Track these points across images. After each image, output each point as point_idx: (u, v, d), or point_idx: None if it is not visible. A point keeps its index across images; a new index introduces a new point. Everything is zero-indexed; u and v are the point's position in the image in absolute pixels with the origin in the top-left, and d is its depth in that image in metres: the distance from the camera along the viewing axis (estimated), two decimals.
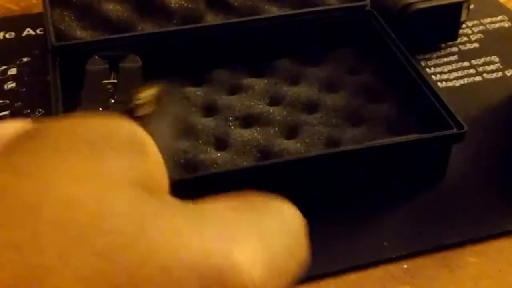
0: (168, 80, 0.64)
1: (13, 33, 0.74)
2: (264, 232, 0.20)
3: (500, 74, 0.69)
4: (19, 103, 0.65)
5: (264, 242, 0.19)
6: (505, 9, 0.79)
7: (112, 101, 0.56)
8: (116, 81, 0.58)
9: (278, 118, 0.60)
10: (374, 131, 0.58)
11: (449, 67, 0.70)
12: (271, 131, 0.59)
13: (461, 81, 0.69)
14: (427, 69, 0.70)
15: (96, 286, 0.16)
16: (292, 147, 0.57)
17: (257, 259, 0.18)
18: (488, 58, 0.71)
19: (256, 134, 0.58)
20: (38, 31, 0.74)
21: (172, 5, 0.68)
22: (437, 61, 0.71)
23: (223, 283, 0.17)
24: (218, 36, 0.65)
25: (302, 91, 0.63)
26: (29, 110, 0.64)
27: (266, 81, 0.64)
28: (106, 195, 0.17)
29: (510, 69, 0.70)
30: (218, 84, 0.64)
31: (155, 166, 0.20)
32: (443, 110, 0.56)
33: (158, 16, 0.68)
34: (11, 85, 0.67)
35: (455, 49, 0.73)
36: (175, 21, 0.68)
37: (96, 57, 0.60)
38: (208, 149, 0.57)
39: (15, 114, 0.64)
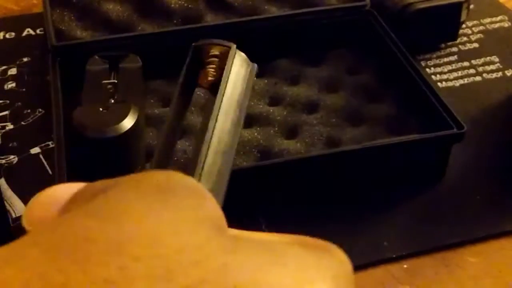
0: (168, 80, 0.64)
1: (13, 33, 0.74)
2: (334, 274, 0.20)
3: (500, 74, 0.70)
4: (19, 103, 0.65)
5: (335, 283, 0.19)
6: (505, 9, 0.79)
7: (112, 101, 0.56)
8: (116, 81, 0.58)
9: (278, 118, 0.60)
10: (374, 131, 0.58)
11: (449, 67, 0.70)
12: (271, 131, 0.59)
13: (461, 81, 0.69)
14: (427, 69, 0.70)
15: None
16: (292, 147, 0.57)
17: None
18: (488, 58, 0.71)
19: (256, 134, 0.58)
20: (38, 31, 0.74)
21: (172, 5, 0.68)
22: (437, 61, 0.71)
23: None
24: (218, 36, 0.65)
25: (302, 91, 0.63)
26: (29, 110, 0.64)
27: (266, 81, 0.64)
28: (184, 234, 0.18)
29: (510, 69, 0.70)
30: None
31: (215, 208, 0.20)
32: (443, 110, 0.56)
33: (158, 16, 0.68)
34: (11, 85, 0.67)
35: (455, 49, 0.73)
36: (175, 21, 0.68)
37: (96, 57, 0.60)
38: None
39: (15, 114, 0.64)
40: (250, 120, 0.60)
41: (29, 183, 0.56)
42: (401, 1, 0.68)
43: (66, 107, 0.56)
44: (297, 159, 0.54)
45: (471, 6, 0.73)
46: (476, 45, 0.73)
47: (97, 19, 0.67)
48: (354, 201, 0.55)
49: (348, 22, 0.68)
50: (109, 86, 0.57)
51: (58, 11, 0.67)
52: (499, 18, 0.77)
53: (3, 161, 0.59)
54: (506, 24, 0.76)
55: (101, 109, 0.54)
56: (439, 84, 0.68)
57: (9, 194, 0.55)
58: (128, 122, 0.52)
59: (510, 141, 0.61)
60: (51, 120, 0.56)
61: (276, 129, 0.59)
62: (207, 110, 0.28)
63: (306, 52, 0.67)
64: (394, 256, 0.51)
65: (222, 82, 0.28)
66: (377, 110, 0.60)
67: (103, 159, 0.52)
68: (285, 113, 0.60)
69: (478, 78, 0.69)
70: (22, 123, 0.63)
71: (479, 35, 0.75)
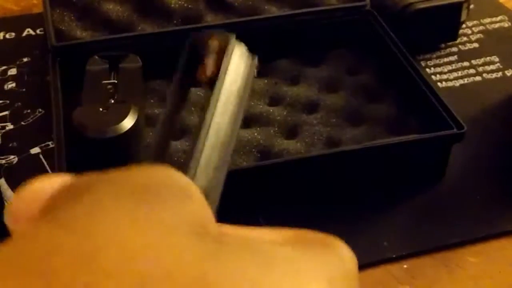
0: (168, 80, 0.64)
1: (13, 33, 0.74)
2: (330, 276, 0.19)
3: (500, 74, 0.70)
4: (19, 103, 0.65)
5: (331, 286, 0.18)
6: (505, 9, 0.79)
7: (112, 101, 0.56)
8: (116, 81, 0.58)
9: (278, 118, 0.60)
10: (374, 131, 0.58)
11: (449, 67, 0.70)
12: (271, 131, 0.59)
13: (461, 81, 0.69)
14: (427, 69, 0.70)
15: None
16: (292, 147, 0.57)
17: None
18: (488, 58, 0.71)
19: (256, 134, 0.58)
20: (38, 31, 0.74)
21: (172, 5, 0.68)
22: (437, 61, 0.71)
23: None
24: None
25: (302, 91, 0.63)
26: (29, 110, 0.64)
27: (266, 81, 0.64)
28: (160, 243, 0.17)
29: (510, 69, 0.70)
30: None
31: (201, 208, 0.19)
32: (443, 110, 0.56)
33: (158, 16, 0.68)
34: (11, 85, 0.67)
35: (455, 49, 0.73)
36: (175, 21, 0.68)
37: (96, 57, 0.60)
38: None
39: (15, 114, 0.64)
40: (250, 120, 0.60)
41: None
42: (401, 1, 0.68)
43: (66, 107, 0.56)
44: (297, 159, 0.54)
45: (471, 6, 0.73)
46: (476, 45, 0.73)
47: (97, 19, 0.67)
48: (354, 201, 0.55)
49: (348, 22, 0.68)
50: (109, 86, 0.57)
51: (58, 11, 0.67)
52: (499, 18, 0.77)
53: (3, 161, 0.59)
54: (506, 24, 0.76)
55: (101, 109, 0.54)
56: (439, 84, 0.68)
57: (9, 194, 0.55)
58: (128, 122, 0.52)
59: (510, 141, 0.61)
60: (51, 120, 0.56)
61: (276, 129, 0.59)
62: (205, 104, 0.27)
63: (306, 52, 0.67)
64: (394, 256, 0.51)
65: (220, 75, 0.27)
66: (377, 110, 0.60)
67: (103, 159, 0.52)
68: (285, 113, 0.60)
69: (478, 78, 0.69)
70: (22, 123, 0.63)
71: (479, 35, 0.75)
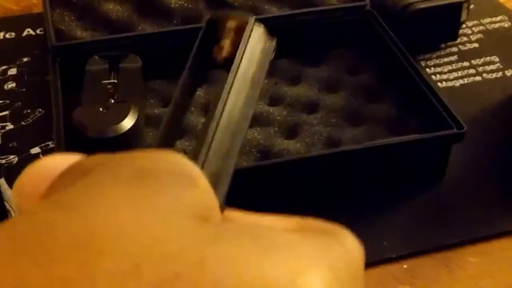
0: (168, 80, 0.64)
1: (13, 33, 0.74)
2: (332, 263, 0.18)
3: (500, 74, 0.70)
4: (19, 103, 0.65)
5: (333, 274, 0.18)
6: (505, 9, 0.79)
7: (112, 101, 0.56)
8: (116, 81, 0.58)
9: (278, 118, 0.60)
10: (374, 131, 0.58)
11: (449, 67, 0.70)
12: (271, 131, 0.59)
13: (461, 81, 0.69)
14: (427, 69, 0.70)
15: None
16: (292, 147, 0.57)
17: None
18: (488, 58, 0.71)
19: (256, 134, 0.58)
20: (38, 31, 0.74)
21: (172, 5, 0.68)
22: (437, 61, 0.71)
23: None
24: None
25: (302, 91, 0.63)
26: (29, 110, 0.64)
27: (266, 81, 0.64)
28: (158, 225, 0.16)
29: (510, 69, 0.70)
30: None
31: (205, 194, 0.19)
32: (443, 110, 0.56)
33: (158, 16, 0.68)
34: (11, 85, 0.67)
35: (455, 49, 0.73)
36: (175, 21, 0.68)
37: (96, 57, 0.60)
38: None
39: (15, 114, 0.64)
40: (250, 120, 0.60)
41: None
42: (401, 1, 0.68)
43: (66, 107, 0.56)
44: (297, 159, 0.54)
45: (471, 6, 0.73)
46: (476, 45, 0.73)
47: (97, 19, 0.67)
48: (354, 201, 0.55)
49: (348, 22, 0.68)
50: (109, 86, 0.57)
51: (58, 11, 0.67)
52: (499, 18, 0.77)
53: (3, 161, 0.59)
54: (506, 24, 0.76)
55: (101, 109, 0.54)
56: (439, 84, 0.68)
57: (9, 194, 0.55)
58: (128, 122, 0.52)
59: (510, 141, 0.61)
60: (51, 120, 0.56)
61: (276, 129, 0.59)
62: (219, 86, 0.26)
63: (306, 52, 0.67)
64: (394, 256, 0.51)
65: (236, 57, 0.26)
66: (377, 110, 0.60)
67: None
68: (285, 113, 0.60)
69: (478, 78, 0.69)
70: (22, 123, 0.63)
71: (479, 35, 0.75)
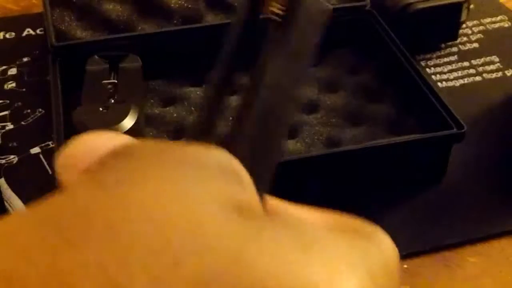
0: (168, 80, 0.64)
1: (13, 33, 0.74)
2: (370, 265, 0.18)
3: (500, 74, 0.70)
4: (19, 103, 0.65)
5: (370, 276, 0.17)
6: (505, 9, 0.79)
7: (112, 101, 0.56)
8: (116, 81, 0.58)
9: None
10: (374, 131, 0.58)
11: (449, 67, 0.70)
12: None
13: (461, 81, 0.69)
14: (427, 69, 0.70)
15: None
16: (292, 147, 0.57)
17: None
18: (488, 58, 0.71)
19: None
20: (38, 31, 0.74)
21: (172, 5, 0.68)
22: (437, 61, 0.71)
23: None
24: (218, 36, 0.65)
25: (302, 91, 0.63)
26: (29, 110, 0.64)
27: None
28: (199, 216, 0.16)
29: (510, 69, 0.70)
30: None
31: (248, 190, 0.19)
32: (443, 110, 0.56)
33: (158, 16, 0.68)
34: (11, 85, 0.67)
35: (455, 49, 0.73)
36: (175, 21, 0.68)
37: (96, 57, 0.60)
38: None
39: (15, 114, 0.64)
40: None
41: (29, 183, 0.56)
42: (401, 1, 0.68)
43: (66, 107, 0.56)
44: (297, 159, 0.54)
45: (471, 6, 0.73)
46: (476, 45, 0.73)
47: (97, 19, 0.67)
48: (354, 201, 0.55)
49: (348, 22, 0.68)
50: (109, 86, 0.57)
51: (58, 11, 0.67)
52: (499, 18, 0.77)
53: (3, 161, 0.59)
54: (506, 24, 0.76)
55: (101, 109, 0.54)
56: (439, 84, 0.68)
57: (9, 194, 0.55)
58: (128, 122, 0.52)
59: (510, 141, 0.61)
60: (51, 120, 0.56)
61: None
62: (263, 58, 0.22)
63: None
64: None
65: (288, 17, 0.22)
66: (377, 110, 0.60)
67: None
68: None
69: (478, 78, 0.69)
70: (22, 123, 0.63)
71: (479, 35, 0.75)
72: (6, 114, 0.64)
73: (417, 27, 0.68)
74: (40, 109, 0.64)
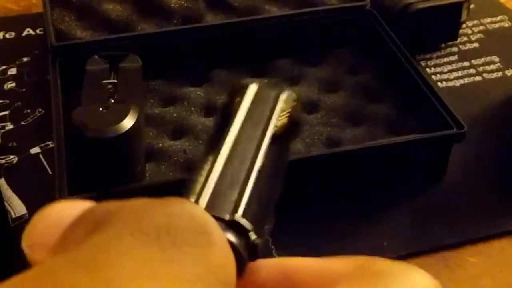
0: (168, 80, 0.64)
1: (13, 33, 0.74)
2: None
3: (500, 74, 0.70)
4: (19, 103, 0.65)
5: None
6: (505, 9, 0.79)
7: (112, 101, 0.56)
8: (116, 81, 0.58)
9: None
10: (374, 131, 0.58)
11: (449, 67, 0.70)
12: None
13: (461, 81, 0.69)
14: (427, 69, 0.70)
15: None
16: (292, 147, 0.57)
17: None
18: (488, 58, 0.71)
19: None
20: (38, 31, 0.74)
21: (172, 5, 0.68)
22: (437, 61, 0.71)
23: None
24: (218, 36, 0.65)
25: (302, 91, 0.63)
26: (29, 110, 0.64)
27: (266, 81, 0.64)
28: None
29: (510, 69, 0.70)
30: (218, 84, 0.64)
31: (222, 254, 0.18)
32: (443, 110, 0.56)
33: (158, 16, 0.68)
34: (11, 85, 0.67)
35: (455, 49, 0.73)
36: (175, 21, 0.68)
37: (96, 57, 0.60)
38: None
39: (15, 114, 0.64)
40: None
41: (29, 183, 0.56)
42: (401, 1, 0.68)
43: (66, 107, 0.56)
44: (297, 159, 0.54)
45: (471, 6, 0.73)
46: (476, 45, 0.73)
47: (97, 19, 0.67)
48: (354, 201, 0.55)
49: (348, 22, 0.68)
50: (109, 86, 0.57)
51: (58, 11, 0.67)
52: (499, 18, 0.77)
53: (3, 161, 0.59)
54: (506, 24, 0.76)
55: (101, 109, 0.54)
56: (439, 84, 0.68)
57: (9, 194, 0.55)
58: (128, 122, 0.52)
59: (510, 141, 0.61)
60: (51, 120, 0.56)
61: None
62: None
63: (306, 52, 0.67)
64: (394, 256, 0.51)
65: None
66: (377, 110, 0.60)
67: (103, 159, 0.52)
68: None
69: (478, 78, 0.69)
70: (22, 123, 0.63)
71: (479, 35, 0.75)
72: (6, 114, 0.64)
73: (417, 27, 0.68)
74: (40, 109, 0.64)
